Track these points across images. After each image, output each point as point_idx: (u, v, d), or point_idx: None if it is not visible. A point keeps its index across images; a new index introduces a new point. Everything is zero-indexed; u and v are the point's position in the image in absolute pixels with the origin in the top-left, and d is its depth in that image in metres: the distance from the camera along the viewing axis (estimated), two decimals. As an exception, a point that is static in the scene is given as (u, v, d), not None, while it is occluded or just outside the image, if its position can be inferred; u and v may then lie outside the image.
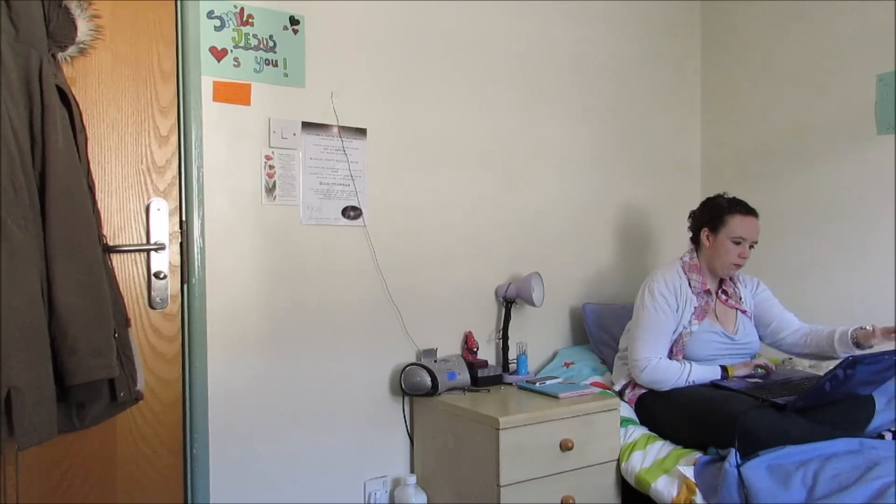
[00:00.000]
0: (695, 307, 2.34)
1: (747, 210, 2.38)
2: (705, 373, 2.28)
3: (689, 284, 2.37)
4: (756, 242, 2.38)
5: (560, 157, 2.85)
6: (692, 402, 2.18)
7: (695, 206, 2.53)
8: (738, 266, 2.37)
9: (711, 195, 2.49)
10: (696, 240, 2.46)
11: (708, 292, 2.38)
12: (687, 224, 2.51)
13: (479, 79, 2.63)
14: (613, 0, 3.00)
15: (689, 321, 2.33)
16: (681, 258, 2.46)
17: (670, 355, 2.34)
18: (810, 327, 2.42)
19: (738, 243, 2.33)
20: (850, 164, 2.74)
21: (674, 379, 2.25)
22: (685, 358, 2.33)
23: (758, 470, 1.85)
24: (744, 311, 2.44)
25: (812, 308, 2.84)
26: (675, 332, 2.33)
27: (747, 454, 1.91)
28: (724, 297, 2.44)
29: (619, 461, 2.23)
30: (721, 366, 2.30)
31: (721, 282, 2.47)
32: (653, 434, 2.25)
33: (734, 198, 2.42)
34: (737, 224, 2.34)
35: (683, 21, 3.25)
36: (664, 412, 2.25)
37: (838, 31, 2.78)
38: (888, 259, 2.62)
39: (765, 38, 3.03)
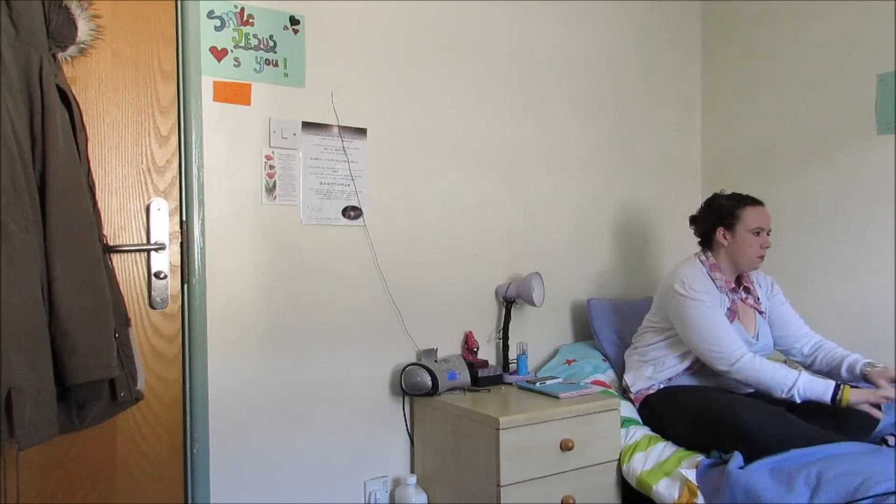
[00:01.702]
0: (728, 308, 2.28)
1: (755, 200, 2.36)
2: (815, 388, 2.06)
3: (715, 283, 2.31)
4: (770, 230, 2.35)
5: (560, 157, 2.85)
6: (700, 405, 2.16)
7: (695, 204, 2.53)
8: (762, 258, 2.32)
9: (710, 196, 2.46)
10: (707, 242, 2.40)
11: (734, 290, 2.33)
12: (691, 229, 2.46)
13: (479, 79, 2.63)
14: (614, 0, 3.00)
15: None
16: (698, 258, 2.38)
17: (693, 362, 2.29)
18: (819, 340, 2.38)
19: (757, 234, 2.30)
20: (850, 164, 2.74)
21: (780, 384, 2.08)
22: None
23: (760, 472, 1.85)
24: (761, 312, 2.40)
25: (812, 308, 2.84)
26: None
27: (752, 459, 1.91)
28: (744, 294, 2.38)
29: (619, 462, 2.23)
30: (836, 384, 2.07)
31: (739, 280, 2.40)
32: (655, 435, 2.25)
33: (735, 192, 2.40)
34: (751, 215, 2.31)
35: (683, 21, 3.25)
36: (671, 413, 2.24)
37: (838, 31, 2.78)
38: (888, 259, 2.62)
39: (765, 38, 3.03)
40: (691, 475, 1.96)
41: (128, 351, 1.74)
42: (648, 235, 3.10)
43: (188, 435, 2.07)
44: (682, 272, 2.33)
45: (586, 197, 2.92)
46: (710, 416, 2.09)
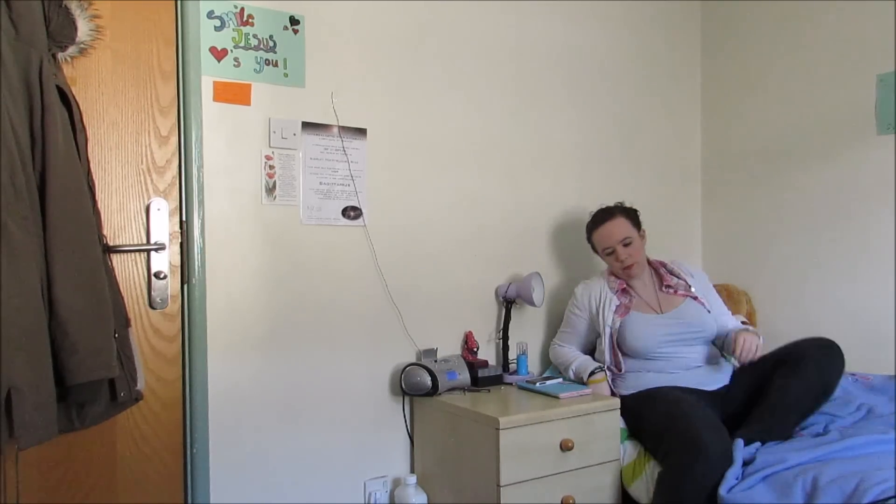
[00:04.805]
0: (616, 306, 2.46)
1: (601, 220, 2.53)
2: (580, 369, 2.44)
3: (608, 286, 2.52)
4: (627, 239, 2.47)
5: (560, 158, 2.85)
6: (659, 400, 2.23)
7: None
8: (626, 267, 2.48)
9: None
10: None
11: (625, 291, 2.50)
12: None
13: (478, 79, 2.63)
14: (614, 0, 3.00)
15: (612, 319, 2.45)
16: (605, 270, 2.62)
17: (614, 355, 2.44)
18: (736, 326, 2.51)
19: (610, 253, 2.50)
20: (850, 164, 2.74)
21: (564, 366, 2.53)
22: (625, 355, 2.42)
23: (755, 487, 1.83)
24: (695, 297, 2.51)
25: (812, 308, 2.84)
26: (605, 329, 2.46)
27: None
28: (670, 290, 2.53)
29: (621, 479, 2.22)
30: (592, 371, 2.39)
31: (661, 279, 2.56)
32: (643, 447, 2.24)
33: (594, 213, 2.59)
34: (596, 240, 2.55)
35: (683, 21, 3.25)
36: (646, 413, 2.25)
37: (838, 31, 2.78)
38: (888, 259, 2.62)
39: (765, 38, 3.03)
40: None
41: (128, 351, 1.75)
42: (648, 234, 3.09)
43: (188, 435, 2.07)
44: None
45: (586, 197, 2.91)
46: (662, 424, 2.13)
